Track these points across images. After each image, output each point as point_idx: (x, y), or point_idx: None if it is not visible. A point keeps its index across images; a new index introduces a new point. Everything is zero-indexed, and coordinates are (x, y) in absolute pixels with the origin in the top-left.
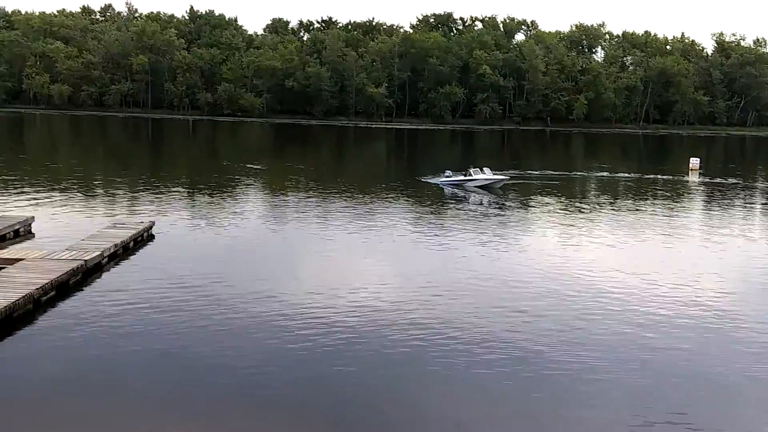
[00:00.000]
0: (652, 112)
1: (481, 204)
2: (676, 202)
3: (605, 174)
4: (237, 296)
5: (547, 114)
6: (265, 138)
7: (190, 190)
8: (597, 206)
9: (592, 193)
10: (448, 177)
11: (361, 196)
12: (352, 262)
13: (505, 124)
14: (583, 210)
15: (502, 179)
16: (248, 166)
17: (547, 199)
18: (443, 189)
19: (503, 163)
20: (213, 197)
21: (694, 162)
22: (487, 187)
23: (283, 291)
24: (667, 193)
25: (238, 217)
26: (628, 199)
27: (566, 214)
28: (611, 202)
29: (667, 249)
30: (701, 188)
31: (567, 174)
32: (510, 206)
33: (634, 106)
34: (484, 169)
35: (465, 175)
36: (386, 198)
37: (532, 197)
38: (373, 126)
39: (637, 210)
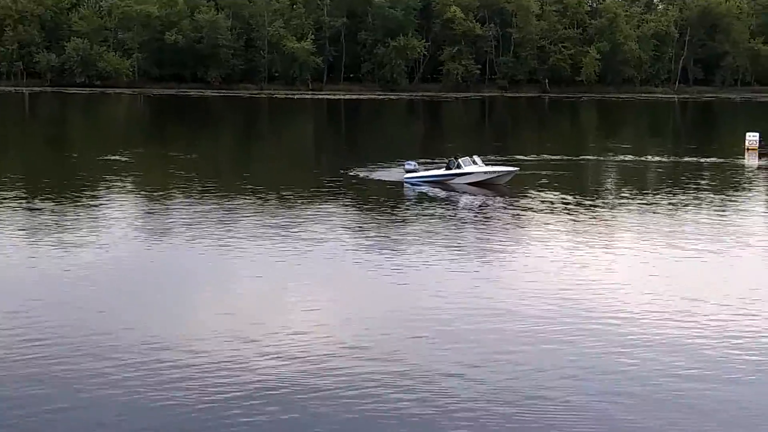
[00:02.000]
0: (692, 70)
1: (463, 208)
2: (728, 196)
3: (628, 158)
4: (86, 346)
5: (545, 75)
6: (137, 117)
7: (20, 197)
8: (618, 206)
9: (611, 186)
10: (413, 170)
11: (279, 199)
12: (270, 295)
13: (486, 90)
14: (598, 212)
15: (511, 171)
16: (111, 158)
17: (548, 197)
18: (410, 188)
19: (482, 146)
20: (58, 205)
21: (752, 138)
22: (485, 184)
23: (160, 339)
24: (715, 184)
25: (95, 232)
26: (661, 194)
27: (576, 218)
28: (638, 199)
29: (716, 266)
30: (763, 176)
31: (573, 159)
32: (497, 208)
33: (667, 62)
34: (474, 157)
35: (450, 168)
36: (318, 201)
37: (525, 195)
38: (296, 96)
39: (674, 209)
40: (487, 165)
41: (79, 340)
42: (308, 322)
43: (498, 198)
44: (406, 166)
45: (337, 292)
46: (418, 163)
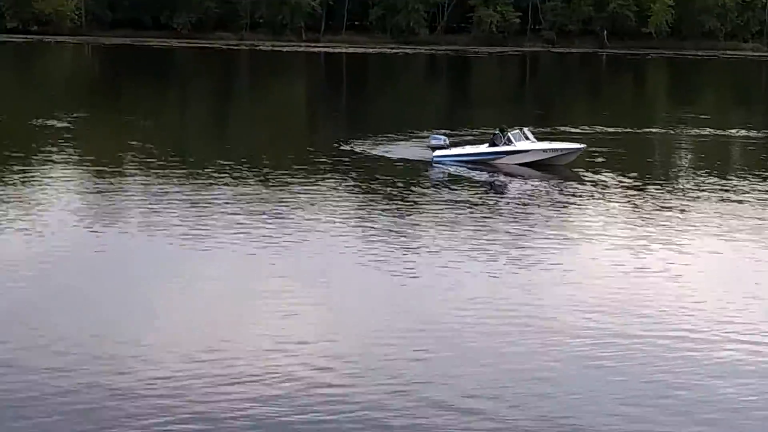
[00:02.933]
0: None
1: (503, 194)
2: None
3: (707, 132)
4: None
5: (603, 25)
6: (83, 72)
7: None
8: (692, 194)
9: (684, 168)
10: (440, 146)
11: (260, 179)
12: (247, 299)
13: (528, 44)
14: (667, 201)
15: (578, 148)
16: (48, 123)
17: (602, 181)
18: (440, 170)
19: (521, 115)
20: None
21: None
22: (542, 165)
23: (107, 358)
24: None
25: (25, 216)
26: (748, 179)
27: (638, 209)
28: (718, 186)
29: None
30: None
31: (637, 133)
32: (541, 196)
33: (759, 10)
34: (525, 130)
35: (495, 143)
36: (310, 183)
37: (573, 178)
38: (286, 48)
39: (765, 199)
40: (541, 141)
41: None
42: (293, 333)
43: (552, 182)
44: (432, 141)
45: (330, 296)
46: (447, 137)
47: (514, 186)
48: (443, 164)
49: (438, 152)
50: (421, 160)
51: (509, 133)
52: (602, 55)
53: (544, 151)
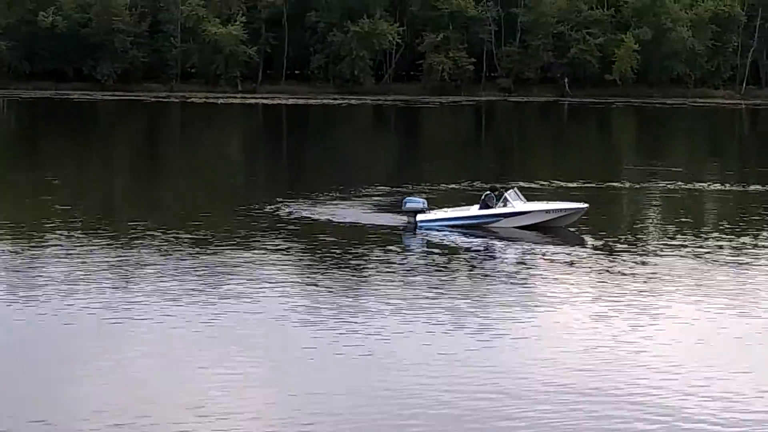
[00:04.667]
0: (764, 66)
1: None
2: None
3: (678, 186)
4: None
5: (564, 72)
6: None
7: None
8: (664, 253)
9: (655, 225)
10: (419, 210)
11: (192, 243)
12: (180, 375)
13: (483, 93)
14: (638, 262)
15: (581, 208)
16: None
17: (566, 240)
18: (420, 234)
19: (476, 168)
20: None
21: None
22: (541, 227)
23: None
24: None
25: None
26: (724, 237)
27: (606, 271)
28: (692, 244)
29: None
30: None
31: (603, 187)
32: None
33: (730, 55)
34: (515, 190)
35: (488, 205)
36: (249, 247)
37: (532, 239)
38: (220, 100)
39: (742, 258)
40: (556, 203)
41: None
42: (231, 410)
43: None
44: (409, 205)
45: (275, 369)
46: (424, 201)
47: (491, 251)
48: (430, 230)
49: (422, 216)
50: (389, 226)
51: (505, 194)
52: (563, 103)
53: (547, 212)
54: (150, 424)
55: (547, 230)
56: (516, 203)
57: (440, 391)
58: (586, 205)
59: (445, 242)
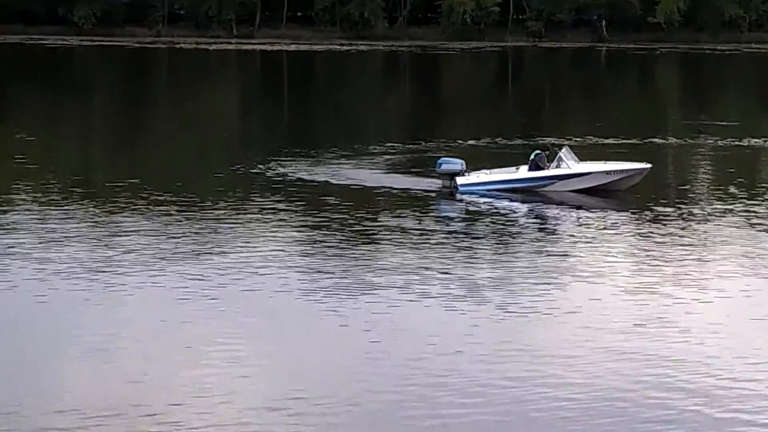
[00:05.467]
0: None
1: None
2: None
3: (730, 143)
4: None
5: (601, 14)
6: None
7: None
8: (712, 218)
9: (702, 186)
10: (456, 173)
11: (183, 206)
12: (169, 349)
13: (510, 38)
14: (681, 228)
15: (644, 168)
16: None
17: (600, 204)
18: (458, 197)
19: (500, 123)
20: None
21: None
22: (598, 190)
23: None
24: None
25: None
26: None
27: (647, 237)
28: (743, 207)
29: None
30: None
31: (644, 144)
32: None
33: None
34: (567, 150)
35: (539, 166)
36: (246, 211)
37: (565, 201)
38: (213, 46)
39: None
40: (613, 164)
41: None
42: (226, 392)
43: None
44: (445, 166)
45: (274, 345)
46: (463, 165)
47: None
48: (472, 194)
49: (462, 179)
50: (400, 189)
51: (560, 153)
52: (601, 50)
53: (607, 173)
54: (136, 406)
55: (606, 193)
56: (573, 164)
57: (464, 373)
58: (649, 165)
59: (485, 208)
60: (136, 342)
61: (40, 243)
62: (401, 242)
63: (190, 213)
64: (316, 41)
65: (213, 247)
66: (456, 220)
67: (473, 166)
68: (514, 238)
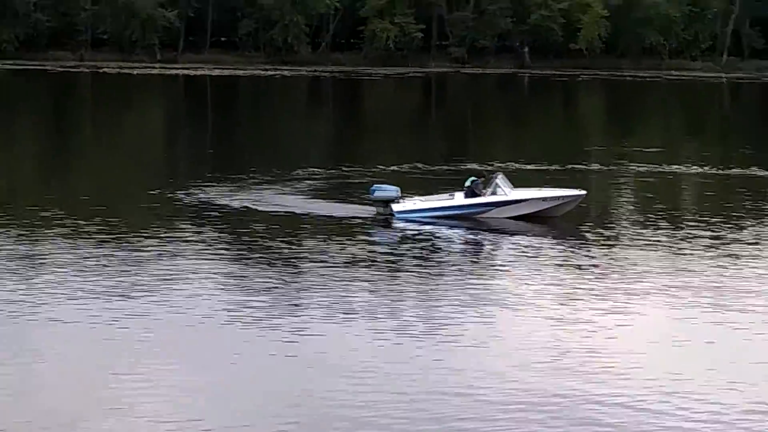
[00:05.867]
0: (747, 35)
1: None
2: None
3: (651, 169)
4: None
5: (523, 41)
6: None
7: None
8: (634, 243)
9: (624, 212)
10: (391, 199)
11: (111, 231)
12: (90, 382)
13: (433, 64)
14: (604, 254)
15: (579, 195)
16: None
17: (523, 229)
18: (395, 224)
19: (423, 148)
20: None
21: None
22: (534, 215)
23: None
24: None
25: None
26: (701, 225)
27: (568, 262)
28: (665, 233)
29: None
30: None
31: (566, 169)
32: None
33: (709, 23)
34: (497, 176)
35: (475, 193)
36: (170, 235)
37: (489, 227)
38: (136, 71)
39: (721, 249)
40: (544, 190)
41: None
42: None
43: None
44: (379, 193)
45: (191, 374)
46: (397, 191)
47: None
48: (408, 221)
49: (398, 206)
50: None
51: (496, 180)
52: (524, 76)
53: (543, 200)
54: None
55: (541, 220)
56: (507, 190)
57: (380, 399)
58: (584, 192)
59: (417, 235)
60: (55, 370)
61: None
62: (325, 269)
63: (111, 241)
64: (239, 66)
65: (135, 276)
66: (386, 247)
67: (421, 192)
68: (442, 265)
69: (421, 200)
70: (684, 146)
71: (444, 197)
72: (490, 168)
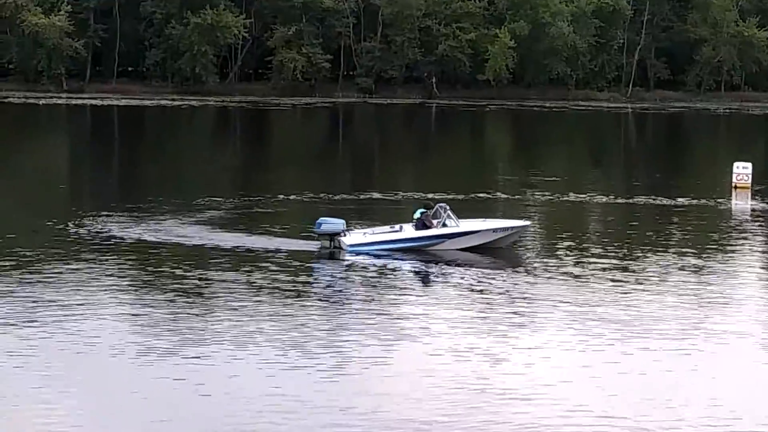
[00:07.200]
0: (653, 66)
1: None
2: (707, 258)
3: (557, 198)
4: None
5: (430, 72)
6: None
7: None
8: (539, 273)
9: (529, 242)
10: (336, 232)
11: (13, 265)
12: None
13: (340, 94)
14: (509, 284)
15: (524, 226)
16: None
17: (425, 259)
18: (345, 258)
19: (328, 178)
20: None
21: (742, 171)
22: (480, 248)
23: None
24: (688, 239)
25: None
26: (607, 255)
27: (475, 294)
28: (570, 263)
29: (692, 374)
30: (758, 225)
31: (471, 199)
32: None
33: (615, 54)
34: (445, 209)
35: (426, 225)
36: (75, 269)
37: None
38: (42, 101)
39: (625, 278)
40: (489, 220)
41: None
42: None
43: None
44: (325, 226)
45: (98, 406)
46: (343, 223)
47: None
48: (360, 254)
49: (348, 239)
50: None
51: (448, 212)
52: (431, 106)
53: (494, 231)
54: None
55: (486, 251)
56: (460, 223)
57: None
58: (528, 222)
59: (360, 268)
60: None
61: None
62: (233, 301)
63: (11, 273)
64: (147, 96)
65: (34, 308)
66: (329, 280)
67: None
68: (347, 295)
69: (370, 233)
70: (589, 175)
71: (394, 229)
72: (397, 197)
